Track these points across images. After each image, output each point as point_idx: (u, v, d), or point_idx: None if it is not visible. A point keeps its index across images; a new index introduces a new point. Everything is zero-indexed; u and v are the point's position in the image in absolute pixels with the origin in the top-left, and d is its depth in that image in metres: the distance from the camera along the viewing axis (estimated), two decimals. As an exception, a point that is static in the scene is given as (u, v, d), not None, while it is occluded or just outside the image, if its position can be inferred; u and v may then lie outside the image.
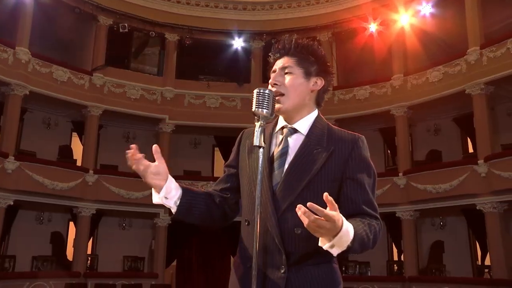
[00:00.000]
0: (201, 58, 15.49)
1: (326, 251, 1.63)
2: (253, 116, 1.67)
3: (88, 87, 13.78)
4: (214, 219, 1.83)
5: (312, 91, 1.80)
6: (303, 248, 1.64)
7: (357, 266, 14.02)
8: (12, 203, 11.99)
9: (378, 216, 1.68)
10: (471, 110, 12.44)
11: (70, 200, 13.00)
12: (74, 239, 13.43)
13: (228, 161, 1.93)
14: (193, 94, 15.22)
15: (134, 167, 1.69)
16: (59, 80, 13.15)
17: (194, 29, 15.05)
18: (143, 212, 13.89)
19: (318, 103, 1.83)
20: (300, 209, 1.37)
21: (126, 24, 14.14)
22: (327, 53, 12.96)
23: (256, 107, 1.63)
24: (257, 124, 1.62)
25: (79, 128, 14.48)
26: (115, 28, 14.16)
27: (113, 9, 14.15)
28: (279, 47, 1.84)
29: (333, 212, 1.38)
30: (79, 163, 13.90)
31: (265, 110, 1.62)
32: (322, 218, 1.36)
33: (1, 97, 12.50)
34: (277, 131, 1.81)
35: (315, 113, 1.81)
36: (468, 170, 11.98)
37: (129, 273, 13.88)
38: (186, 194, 1.74)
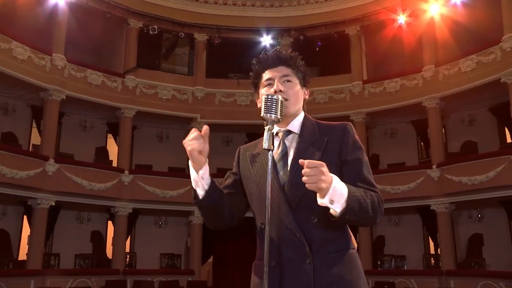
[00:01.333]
0: (230, 56, 15.61)
1: (344, 238, 1.79)
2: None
3: (121, 89, 14.13)
4: (224, 217, 1.90)
5: (304, 98, 1.97)
6: (322, 236, 1.74)
7: (393, 259, 13.92)
8: (53, 203, 12.46)
9: (375, 189, 1.78)
10: (507, 99, 12.10)
11: (108, 200, 13.38)
12: (113, 238, 13.83)
13: (232, 171, 2.05)
14: (223, 93, 15.38)
15: (196, 141, 1.75)
16: (93, 84, 13.55)
17: (222, 28, 15.20)
18: (178, 210, 14.16)
19: (303, 109, 1.99)
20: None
21: (155, 26, 14.40)
22: (356, 46, 12.93)
23: (264, 113, 1.72)
24: (266, 128, 1.71)
25: (114, 129, 14.86)
26: (145, 31, 14.45)
27: (143, 12, 14.45)
28: (274, 57, 1.94)
29: (314, 161, 1.56)
30: (114, 164, 14.27)
31: (273, 115, 1.71)
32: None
33: (40, 102, 12.98)
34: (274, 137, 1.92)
35: (302, 113, 1.96)
36: (506, 160, 11.65)
37: (166, 270, 14.17)
38: (213, 184, 1.84)
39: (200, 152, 1.75)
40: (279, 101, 1.73)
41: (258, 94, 1.97)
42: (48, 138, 12.63)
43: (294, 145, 1.86)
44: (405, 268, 13.81)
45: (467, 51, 13.06)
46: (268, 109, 1.71)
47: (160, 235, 14.96)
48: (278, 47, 2.03)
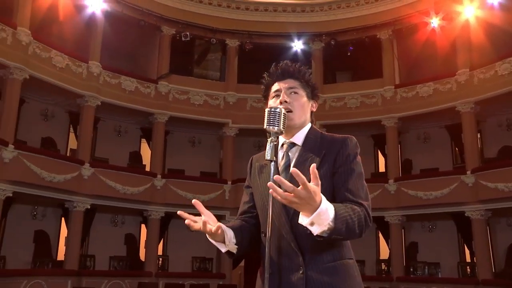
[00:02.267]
0: (262, 62, 15.60)
1: (340, 248, 1.81)
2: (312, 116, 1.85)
3: (154, 95, 14.41)
4: (260, 240, 1.97)
5: (311, 111, 2.02)
6: (316, 246, 1.76)
7: (426, 267, 13.68)
8: (89, 206, 12.82)
9: (363, 203, 1.77)
10: (547, 103, 11.77)
11: (140, 203, 13.66)
12: (146, 241, 14.09)
13: (246, 183, 2.11)
14: (255, 98, 15.45)
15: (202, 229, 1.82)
16: (127, 90, 13.89)
17: (253, 33, 15.32)
18: (210, 215, 14.25)
19: (312, 121, 2.02)
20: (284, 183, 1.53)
21: (188, 33, 14.65)
22: (388, 51, 12.79)
23: (267, 125, 1.77)
24: (269, 140, 1.75)
25: (148, 134, 15.17)
26: (177, 37, 14.72)
27: (176, 19, 14.73)
28: (283, 70, 2.00)
29: (312, 185, 1.53)
30: (148, 168, 14.56)
31: (276, 127, 1.76)
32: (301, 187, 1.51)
33: (77, 108, 13.39)
34: (280, 149, 1.97)
35: (308, 125, 1.99)
36: (545, 166, 11.34)
37: (198, 273, 14.33)
38: (237, 232, 1.90)
39: (211, 230, 1.79)
40: (281, 114, 1.77)
41: (267, 105, 2.02)
42: (84, 143, 13.02)
43: (295, 157, 1.90)
44: (439, 275, 13.54)
45: (503, 53, 12.75)
46: (270, 122, 1.76)
47: (192, 238, 15.08)
48: (287, 61, 2.07)
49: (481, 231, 12.60)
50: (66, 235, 12.94)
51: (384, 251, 14.84)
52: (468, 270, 13.34)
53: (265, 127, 1.77)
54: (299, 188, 1.52)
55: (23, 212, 13.06)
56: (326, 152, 1.85)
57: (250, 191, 2.06)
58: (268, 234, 1.72)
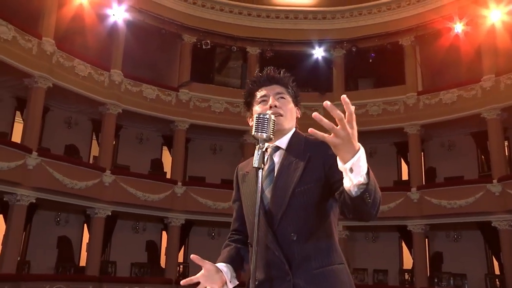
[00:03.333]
0: (283, 69, 15.62)
1: (328, 253, 1.76)
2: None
3: (175, 102, 14.53)
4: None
5: (296, 116, 1.99)
6: (302, 253, 1.73)
7: (452, 278, 13.31)
8: (110, 213, 12.96)
9: None
10: None
11: (161, 210, 13.73)
12: (166, 248, 14.14)
13: (232, 197, 2.08)
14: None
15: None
16: (148, 98, 14.05)
17: (274, 41, 15.32)
18: (230, 222, 14.23)
19: (296, 128, 1.99)
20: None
21: (208, 41, 14.75)
22: (410, 57, 12.55)
23: (255, 131, 1.72)
24: (257, 147, 1.71)
25: (169, 142, 15.29)
26: (198, 45, 14.82)
27: (196, 27, 14.85)
28: (269, 76, 1.99)
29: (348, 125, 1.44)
30: (168, 176, 14.64)
31: (264, 134, 1.70)
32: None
33: (99, 116, 13.59)
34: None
35: (293, 130, 1.95)
36: None
37: (219, 281, 14.23)
38: (235, 265, 1.91)
39: (211, 276, 1.82)
40: (270, 120, 1.72)
41: (252, 112, 1.99)
42: (105, 150, 13.21)
43: (280, 161, 1.87)
44: (466, 287, 13.15)
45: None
46: (258, 128, 1.71)
47: (213, 246, 15.09)
48: (270, 67, 2.05)
49: (510, 241, 12.19)
50: (87, 241, 13.11)
51: (408, 261, 14.54)
52: (498, 283, 12.88)
53: (253, 133, 1.72)
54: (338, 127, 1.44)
55: (47, 218, 13.31)
56: (311, 155, 1.81)
57: (238, 205, 2.02)
58: (254, 244, 1.67)
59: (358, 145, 1.47)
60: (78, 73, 12.59)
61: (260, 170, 1.70)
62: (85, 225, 13.66)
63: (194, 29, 14.89)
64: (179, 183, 13.99)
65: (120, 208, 13.15)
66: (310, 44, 15.32)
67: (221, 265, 1.84)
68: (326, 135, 1.46)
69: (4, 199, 11.17)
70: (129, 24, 13.76)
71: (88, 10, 12.89)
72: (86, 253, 13.06)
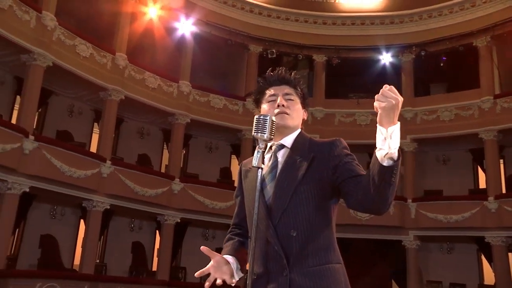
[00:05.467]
0: (349, 76, 15.47)
1: (326, 251, 1.79)
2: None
3: (242, 112, 14.77)
4: None
5: (303, 118, 2.05)
6: (300, 249, 1.78)
7: None
8: (179, 220, 13.39)
9: None
10: None
11: (230, 218, 13.90)
12: (235, 255, 14.30)
13: (235, 192, 2.14)
14: (343, 113, 15.22)
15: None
16: (216, 107, 14.42)
17: (341, 48, 15.15)
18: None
19: (301, 129, 2.05)
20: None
21: (274, 50, 14.89)
22: (485, 59, 11.91)
23: (255, 132, 1.76)
24: (257, 147, 1.76)
25: (237, 150, 15.54)
26: (264, 55, 14.99)
27: (262, 37, 15.05)
28: (279, 76, 2.04)
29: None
30: (236, 184, 14.82)
31: (265, 135, 1.74)
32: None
33: (169, 125, 14.15)
34: (267, 152, 1.97)
35: (298, 130, 2.01)
36: None
37: None
38: (237, 257, 1.92)
39: (220, 267, 1.84)
40: (270, 121, 1.76)
41: (260, 110, 2.05)
42: (174, 159, 13.70)
43: (283, 159, 1.91)
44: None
45: None
46: (258, 129, 1.75)
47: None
48: (283, 68, 2.09)
49: None
50: (158, 247, 13.63)
51: (488, 275, 13.68)
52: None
53: (253, 134, 1.77)
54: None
55: (122, 224, 14.03)
56: (315, 156, 1.85)
57: (240, 200, 2.08)
58: (252, 239, 1.72)
59: (398, 122, 1.57)
60: (148, 85, 13.22)
61: (260, 170, 1.75)
62: (157, 231, 14.21)
63: (260, 39, 15.09)
64: (245, 191, 14.12)
65: (189, 215, 13.53)
66: (377, 50, 14.97)
67: (228, 257, 1.89)
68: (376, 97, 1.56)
69: (83, 205, 11.94)
70: (196, 36, 14.25)
71: (157, 25, 13.51)
72: (157, 258, 13.60)
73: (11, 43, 10.40)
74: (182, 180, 13.50)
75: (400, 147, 1.57)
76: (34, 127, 11.58)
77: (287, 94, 1.99)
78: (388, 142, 1.55)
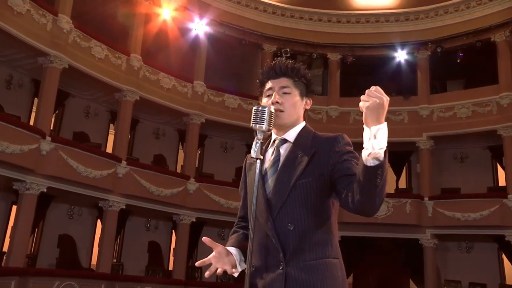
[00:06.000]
0: (364, 74, 15.36)
1: (324, 246, 1.79)
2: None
3: (257, 111, 14.74)
4: None
5: (304, 109, 2.01)
6: (297, 243, 1.79)
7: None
8: (194, 220, 13.45)
9: None
10: None
11: (244, 217, 13.93)
12: (249, 255, 14.31)
13: (240, 185, 2.15)
14: (358, 111, 14.99)
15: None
16: (230, 107, 14.45)
17: (355, 46, 15.06)
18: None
19: (304, 118, 2.02)
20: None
21: (288, 49, 14.86)
22: (504, 54, 11.71)
23: (253, 123, 1.77)
24: (255, 138, 1.77)
25: (252, 150, 15.52)
26: (279, 54, 14.95)
27: (276, 36, 15.04)
28: (276, 68, 2.01)
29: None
30: (248, 180, 14.85)
31: (263, 126, 1.75)
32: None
33: (184, 126, 14.22)
34: (270, 145, 1.99)
35: (302, 123, 1.99)
36: None
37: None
38: (241, 249, 1.93)
39: (221, 258, 1.84)
40: (267, 112, 1.76)
41: (261, 102, 2.04)
42: (190, 159, 13.76)
43: (285, 153, 1.91)
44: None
45: None
46: (256, 120, 1.76)
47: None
48: (282, 58, 2.08)
49: None
50: (173, 247, 13.70)
51: (511, 275, 13.45)
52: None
53: (251, 125, 1.78)
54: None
55: (139, 224, 14.14)
56: (317, 151, 1.85)
57: (244, 193, 2.09)
58: (251, 231, 1.74)
59: (384, 122, 1.56)
60: (163, 86, 13.31)
61: (258, 161, 1.76)
62: (173, 231, 14.28)
63: (274, 38, 15.09)
64: (262, 191, 14.13)
65: (204, 215, 13.58)
66: (392, 47, 14.83)
67: (231, 249, 1.91)
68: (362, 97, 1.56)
69: (99, 205, 12.08)
70: (210, 36, 14.30)
71: (171, 26, 13.59)
72: (173, 258, 13.67)
73: (29, 46, 10.57)
74: (198, 180, 13.55)
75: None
76: (51, 128, 11.76)
77: (283, 87, 1.96)
78: (372, 141, 1.53)
